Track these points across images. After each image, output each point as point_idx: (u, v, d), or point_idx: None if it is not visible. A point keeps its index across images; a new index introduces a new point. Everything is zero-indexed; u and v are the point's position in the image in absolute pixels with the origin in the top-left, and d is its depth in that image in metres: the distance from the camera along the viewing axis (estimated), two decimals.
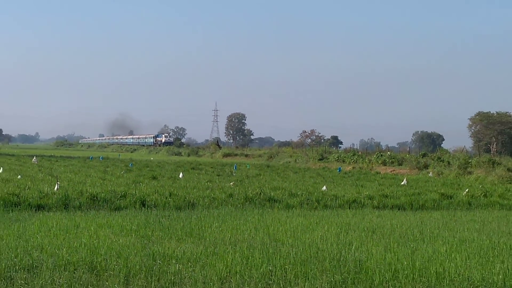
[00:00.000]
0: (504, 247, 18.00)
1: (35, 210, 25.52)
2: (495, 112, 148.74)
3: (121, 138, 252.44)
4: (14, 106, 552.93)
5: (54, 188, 29.78)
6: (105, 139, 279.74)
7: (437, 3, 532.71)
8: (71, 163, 63.94)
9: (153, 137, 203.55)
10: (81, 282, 12.16)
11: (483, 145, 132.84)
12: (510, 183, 49.44)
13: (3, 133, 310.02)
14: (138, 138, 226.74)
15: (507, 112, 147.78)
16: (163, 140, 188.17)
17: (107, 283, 12.25)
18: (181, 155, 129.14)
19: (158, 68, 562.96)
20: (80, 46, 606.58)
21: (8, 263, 13.66)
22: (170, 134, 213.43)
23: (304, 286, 12.35)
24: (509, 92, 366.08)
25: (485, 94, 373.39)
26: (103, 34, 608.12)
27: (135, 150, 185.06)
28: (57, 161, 68.83)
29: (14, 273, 12.82)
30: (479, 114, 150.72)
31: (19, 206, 25.91)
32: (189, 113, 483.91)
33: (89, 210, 26.17)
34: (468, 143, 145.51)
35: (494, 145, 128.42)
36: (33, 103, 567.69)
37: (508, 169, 57.03)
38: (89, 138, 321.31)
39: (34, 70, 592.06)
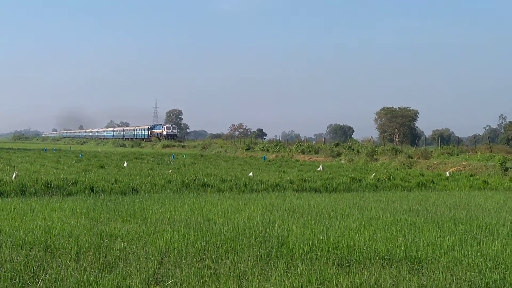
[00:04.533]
0: (405, 223, 18.26)
1: None
2: (397, 107, 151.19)
3: (97, 131, 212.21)
4: None
5: (12, 177, 29.34)
6: (75, 132, 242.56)
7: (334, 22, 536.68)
8: (27, 154, 62.94)
9: (148, 128, 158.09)
10: (36, 259, 12.00)
11: (387, 135, 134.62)
12: (410, 168, 50.24)
13: None
14: (123, 130, 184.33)
15: (408, 107, 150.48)
16: (164, 133, 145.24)
17: (60, 259, 12.11)
18: (126, 147, 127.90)
19: (103, 70, 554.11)
20: (32, 48, 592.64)
21: None
22: (173, 126, 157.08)
23: (233, 259, 12.36)
24: (409, 90, 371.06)
25: (389, 91, 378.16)
26: (52, 40, 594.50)
27: (84, 142, 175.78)
28: (14, 152, 67.62)
29: None
30: (384, 109, 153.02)
31: None
32: (131, 110, 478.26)
33: (43, 195, 25.87)
34: (374, 134, 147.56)
35: (397, 135, 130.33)
36: None
37: (409, 156, 58.04)
38: (44, 132, 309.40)
39: None
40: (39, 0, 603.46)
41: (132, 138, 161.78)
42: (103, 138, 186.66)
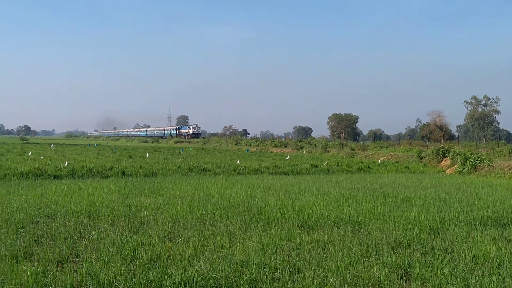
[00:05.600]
0: (349, 196, 18.32)
1: (52, 178, 25.21)
2: (343, 113, 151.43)
3: (132, 131, 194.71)
4: (38, 110, 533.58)
5: (65, 164, 29.28)
6: (116, 132, 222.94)
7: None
8: (76, 148, 62.61)
9: (176, 129, 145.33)
10: (83, 224, 11.98)
11: (336, 134, 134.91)
12: (353, 157, 50.42)
13: (31, 129, 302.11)
14: (155, 130, 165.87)
15: (351, 113, 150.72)
16: (190, 132, 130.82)
17: (100, 224, 12.08)
18: (147, 142, 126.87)
19: (130, 84, 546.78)
20: (78, 68, 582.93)
21: (35, 212, 13.42)
22: (198, 126, 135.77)
23: (225, 223, 12.38)
24: (352, 100, 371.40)
25: (338, 101, 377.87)
26: (95, 61, 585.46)
27: (118, 139, 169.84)
28: (67, 147, 67.29)
29: (39, 219, 12.57)
30: (334, 114, 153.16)
31: (41, 176, 25.63)
32: (151, 114, 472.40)
33: (88, 178, 25.91)
34: (327, 133, 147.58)
35: (343, 134, 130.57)
36: (50, 108, 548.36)
37: (352, 149, 58.27)
38: (88, 132, 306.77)
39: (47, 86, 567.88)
40: (87, 26, 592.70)
41: (162, 137, 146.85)
42: (137, 136, 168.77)
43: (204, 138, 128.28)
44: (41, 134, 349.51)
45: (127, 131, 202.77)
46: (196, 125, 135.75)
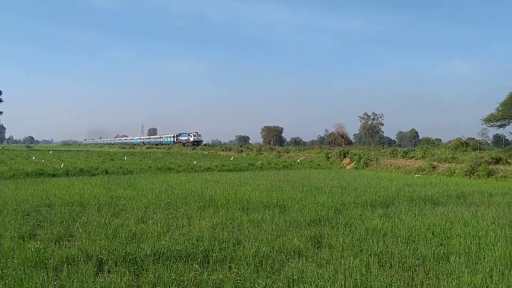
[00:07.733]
0: (277, 187, 18.45)
1: (51, 176, 24.37)
2: (272, 126, 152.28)
3: (125, 139, 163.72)
4: (40, 123, 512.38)
5: (61, 166, 28.32)
6: (111, 140, 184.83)
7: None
8: (70, 153, 60.61)
9: (173, 136, 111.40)
10: (75, 211, 11.61)
11: (267, 141, 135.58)
12: (279, 158, 50.80)
13: (34, 139, 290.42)
14: (149, 138, 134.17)
15: (277, 126, 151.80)
16: (191, 139, 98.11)
17: (88, 211, 11.74)
18: (125, 149, 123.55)
19: (110, 102, 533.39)
20: (71, 95, 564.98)
21: (37, 202, 12.93)
22: (198, 134, 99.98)
23: (185, 208, 12.26)
24: (279, 115, 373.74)
25: (269, 116, 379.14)
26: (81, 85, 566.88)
27: (102, 146, 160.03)
28: (63, 152, 65.06)
29: (41, 208, 12.11)
30: (265, 126, 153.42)
31: (43, 175, 24.75)
32: (127, 126, 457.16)
33: (79, 176, 25.14)
34: (260, 140, 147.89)
35: (272, 141, 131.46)
36: (51, 122, 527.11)
37: (278, 152, 58.70)
38: (79, 141, 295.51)
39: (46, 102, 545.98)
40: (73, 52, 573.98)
41: (157, 144, 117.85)
42: (130, 144, 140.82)
43: (169, 144, 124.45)
44: (42, 143, 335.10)
45: (119, 139, 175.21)
46: (197, 132, 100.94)
